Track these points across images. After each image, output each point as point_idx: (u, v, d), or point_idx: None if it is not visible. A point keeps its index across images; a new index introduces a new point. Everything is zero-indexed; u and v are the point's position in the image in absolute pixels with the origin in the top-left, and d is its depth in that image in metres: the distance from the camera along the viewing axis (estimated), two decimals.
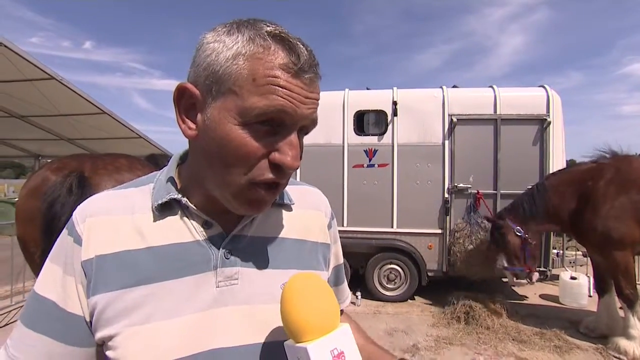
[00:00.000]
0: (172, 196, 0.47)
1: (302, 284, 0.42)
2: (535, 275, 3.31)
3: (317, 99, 0.44)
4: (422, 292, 4.17)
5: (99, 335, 0.44)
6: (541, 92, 3.95)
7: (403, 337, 3.22)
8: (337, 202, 4.10)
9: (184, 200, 0.47)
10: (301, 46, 0.41)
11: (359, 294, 4.03)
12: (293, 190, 0.59)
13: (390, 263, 4.09)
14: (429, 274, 4.02)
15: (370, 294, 4.11)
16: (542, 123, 3.85)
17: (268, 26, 0.41)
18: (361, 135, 4.18)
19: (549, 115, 3.83)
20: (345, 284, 0.70)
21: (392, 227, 4.07)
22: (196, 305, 0.45)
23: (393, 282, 4.12)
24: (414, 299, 4.16)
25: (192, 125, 0.44)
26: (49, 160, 2.46)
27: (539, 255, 3.34)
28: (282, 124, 0.42)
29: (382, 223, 4.09)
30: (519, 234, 3.22)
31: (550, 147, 3.82)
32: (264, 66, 0.40)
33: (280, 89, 0.40)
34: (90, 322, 0.44)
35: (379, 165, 4.13)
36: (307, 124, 0.44)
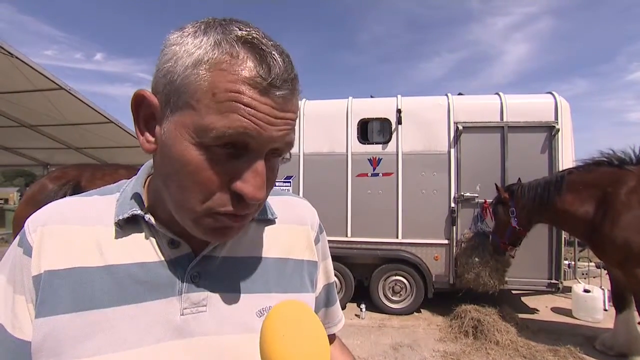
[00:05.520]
0: (135, 212, 0.42)
1: (289, 315, 0.36)
2: (508, 255, 3.54)
3: (292, 119, 0.38)
4: (428, 305, 4.05)
5: None
6: (549, 98, 3.87)
7: (409, 352, 3.10)
8: (340, 212, 4.02)
9: (147, 217, 0.42)
10: (276, 55, 0.35)
11: (363, 306, 3.92)
12: (276, 202, 0.54)
13: (396, 274, 3.99)
14: (436, 285, 3.91)
15: (375, 307, 4.00)
16: (550, 130, 3.76)
17: (240, 29, 0.35)
18: (365, 143, 4.12)
19: (557, 122, 3.74)
20: (338, 304, 0.63)
21: (397, 237, 3.98)
22: (155, 336, 0.39)
23: (398, 294, 4.01)
24: (420, 312, 4.04)
25: (151, 138, 0.40)
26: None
27: (519, 242, 3.39)
28: (246, 147, 0.36)
29: (387, 233, 4.00)
30: (511, 215, 3.29)
31: (560, 155, 3.72)
32: (227, 79, 0.33)
33: (244, 107, 0.33)
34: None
35: (383, 174, 4.06)
36: (279, 147, 0.38)
